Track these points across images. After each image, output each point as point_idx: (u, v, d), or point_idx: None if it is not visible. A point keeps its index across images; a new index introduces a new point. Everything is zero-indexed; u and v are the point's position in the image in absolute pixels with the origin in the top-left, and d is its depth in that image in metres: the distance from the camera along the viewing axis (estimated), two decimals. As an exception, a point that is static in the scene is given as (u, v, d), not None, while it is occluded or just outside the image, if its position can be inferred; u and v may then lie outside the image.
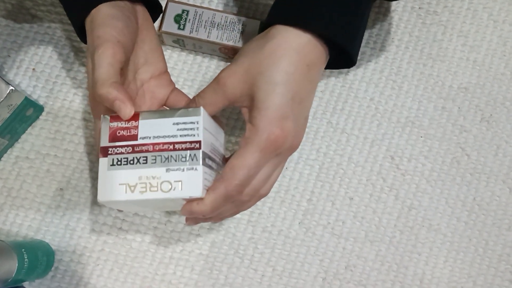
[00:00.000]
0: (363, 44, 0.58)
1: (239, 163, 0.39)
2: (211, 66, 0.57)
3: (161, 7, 0.48)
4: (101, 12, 0.41)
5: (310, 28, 0.40)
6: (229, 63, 0.51)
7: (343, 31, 0.41)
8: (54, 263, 0.53)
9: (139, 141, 0.38)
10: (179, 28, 0.54)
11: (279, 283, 0.53)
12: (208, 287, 0.53)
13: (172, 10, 0.54)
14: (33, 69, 0.57)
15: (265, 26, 0.43)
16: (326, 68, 0.44)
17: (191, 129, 0.38)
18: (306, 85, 0.41)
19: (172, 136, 0.38)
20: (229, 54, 0.56)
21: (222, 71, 0.42)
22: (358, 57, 0.58)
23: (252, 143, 0.39)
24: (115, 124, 0.38)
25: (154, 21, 0.47)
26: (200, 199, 0.38)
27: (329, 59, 0.43)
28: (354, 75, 0.58)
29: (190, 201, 0.38)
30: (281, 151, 0.40)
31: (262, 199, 0.54)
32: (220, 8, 0.58)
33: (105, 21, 0.40)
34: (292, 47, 0.40)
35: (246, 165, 0.38)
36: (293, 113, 0.39)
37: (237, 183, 0.38)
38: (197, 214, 0.39)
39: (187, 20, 0.54)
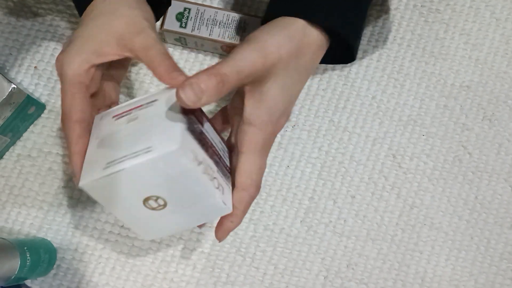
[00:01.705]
0: (365, 42, 0.58)
1: (254, 169, 0.40)
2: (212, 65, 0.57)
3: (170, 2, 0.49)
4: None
5: (312, 18, 0.40)
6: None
7: (347, 23, 0.41)
8: (56, 261, 0.53)
9: None
10: (181, 26, 0.54)
11: (280, 281, 0.53)
12: (210, 285, 0.53)
13: (174, 8, 0.54)
14: (35, 67, 0.56)
15: (267, 17, 0.42)
16: (325, 63, 0.44)
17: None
18: (293, 75, 0.40)
19: None
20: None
21: (252, 33, 0.39)
22: (360, 55, 0.58)
23: (257, 145, 0.39)
24: None
25: (157, 19, 0.47)
26: (230, 215, 0.39)
27: (328, 53, 0.43)
28: (356, 73, 0.58)
29: (222, 221, 0.40)
30: None
31: (264, 197, 0.54)
32: (222, 6, 0.58)
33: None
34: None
35: (260, 168, 0.40)
36: (285, 105, 0.40)
37: (258, 186, 0.40)
38: (233, 229, 0.40)
39: (189, 18, 0.54)
